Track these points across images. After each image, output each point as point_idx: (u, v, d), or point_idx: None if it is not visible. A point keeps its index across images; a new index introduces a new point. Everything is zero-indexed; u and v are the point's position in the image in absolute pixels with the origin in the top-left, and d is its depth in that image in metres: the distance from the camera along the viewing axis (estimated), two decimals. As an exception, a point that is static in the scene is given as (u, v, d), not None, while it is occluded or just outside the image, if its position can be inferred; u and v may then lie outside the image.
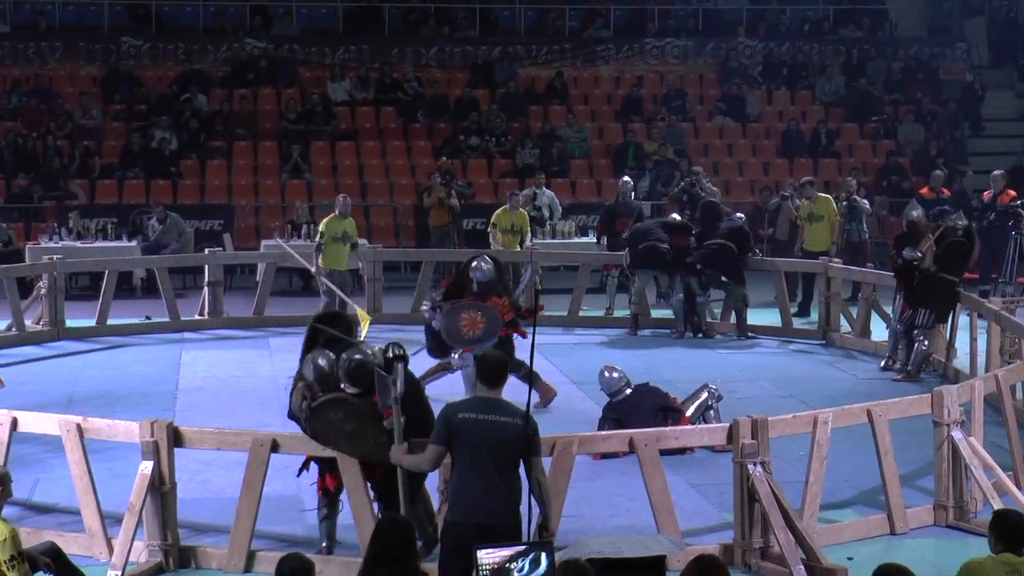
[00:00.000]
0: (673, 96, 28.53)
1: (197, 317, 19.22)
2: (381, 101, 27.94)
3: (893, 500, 10.52)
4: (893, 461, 10.56)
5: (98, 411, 12.77)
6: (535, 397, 13.51)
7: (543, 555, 6.80)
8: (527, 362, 12.64)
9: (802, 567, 9.31)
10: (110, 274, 19.01)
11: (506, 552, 6.78)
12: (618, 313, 19.37)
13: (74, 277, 21.70)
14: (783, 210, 21.47)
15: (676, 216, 18.92)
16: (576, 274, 20.08)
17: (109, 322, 18.74)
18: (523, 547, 6.90)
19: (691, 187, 21.09)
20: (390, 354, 9.24)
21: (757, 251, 19.63)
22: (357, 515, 9.51)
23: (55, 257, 18.79)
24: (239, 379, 15.97)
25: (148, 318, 19.30)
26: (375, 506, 9.50)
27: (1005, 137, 29.35)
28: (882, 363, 16.47)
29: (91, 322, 18.63)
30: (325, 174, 26.33)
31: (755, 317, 18.92)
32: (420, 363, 13.20)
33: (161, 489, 9.64)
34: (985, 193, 21.91)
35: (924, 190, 23.13)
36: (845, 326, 18.15)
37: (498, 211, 20.32)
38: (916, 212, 16.50)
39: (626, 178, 21.27)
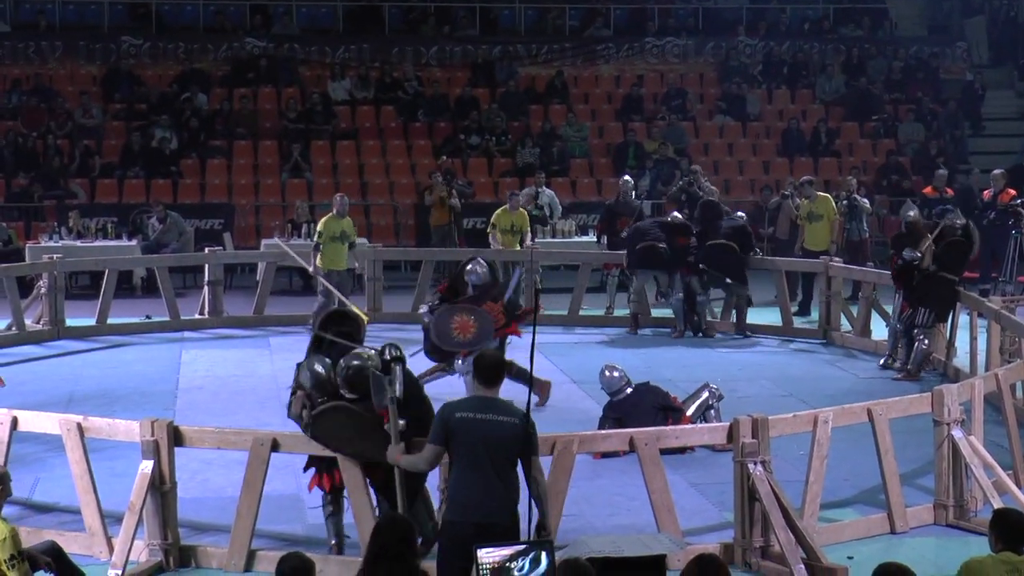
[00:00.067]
0: (673, 95, 28.53)
1: (197, 316, 19.22)
2: (381, 100, 27.95)
3: (893, 499, 10.52)
4: (893, 460, 10.56)
5: (98, 410, 12.77)
6: (535, 396, 13.55)
7: (543, 554, 6.79)
8: (516, 362, 12.74)
9: (802, 566, 9.31)
10: (110, 273, 19.01)
11: (506, 551, 6.77)
12: (618, 312, 19.36)
13: (74, 276, 21.70)
14: (783, 209, 21.47)
15: (677, 215, 18.91)
16: (576, 273, 20.08)
17: (109, 321, 18.74)
18: (523, 546, 6.90)
19: (689, 187, 21.08)
20: (387, 356, 9.24)
21: (758, 250, 19.62)
22: (357, 514, 9.51)
23: (55, 256, 18.79)
24: (239, 378, 15.97)
25: (148, 317, 19.30)
26: (375, 505, 9.50)
27: (1005, 136, 29.36)
28: (881, 361, 16.47)
29: (91, 321, 18.63)
30: (325, 173, 26.33)
31: (756, 316, 18.93)
32: (419, 364, 13.20)
33: (161, 488, 9.64)
34: (985, 192, 21.93)
35: (927, 189, 23.12)
36: (845, 325, 18.15)
37: (498, 211, 20.30)
38: (913, 212, 16.49)
39: (627, 177, 21.27)
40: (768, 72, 29.63)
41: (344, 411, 9.32)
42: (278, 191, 25.92)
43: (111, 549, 9.61)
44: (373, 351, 9.35)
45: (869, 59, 30.07)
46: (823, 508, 10.36)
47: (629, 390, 12.92)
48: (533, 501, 7.77)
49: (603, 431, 11.83)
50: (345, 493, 9.70)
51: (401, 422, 8.92)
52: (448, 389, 12.47)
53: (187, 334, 18.69)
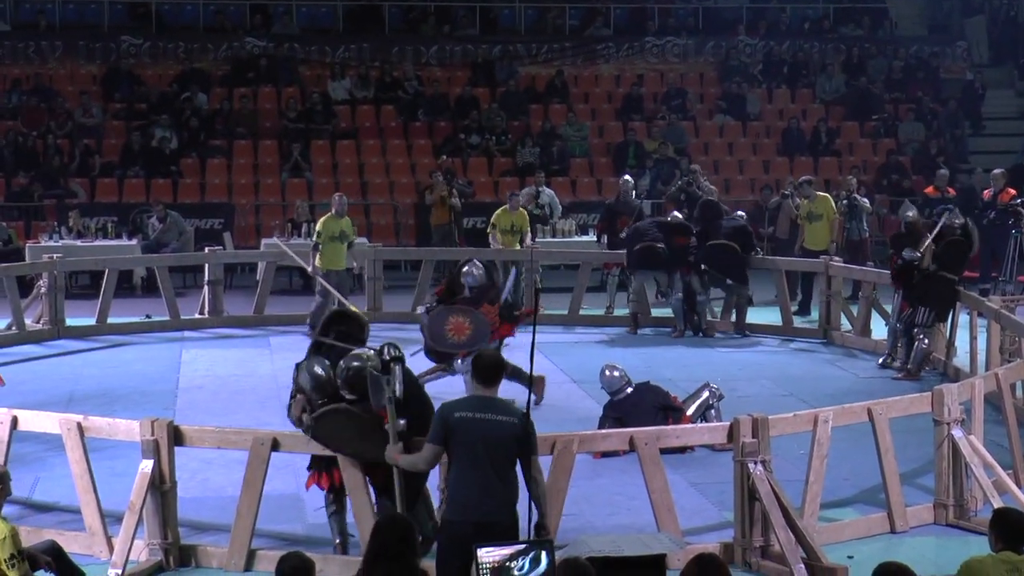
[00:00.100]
0: (673, 95, 28.53)
1: (197, 316, 19.22)
2: (381, 100, 27.95)
3: (893, 499, 10.52)
4: (893, 460, 10.56)
5: (98, 410, 12.77)
6: (523, 391, 13.54)
7: (543, 553, 6.80)
8: (512, 362, 12.74)
9: (802, 566, 9.31)
10: (110, 273, 19.01)
11: (506, 550, 6.78)
12: (618, 312, 19.36)
13: (74, 276, 21.70)
14: (783, 209, 21.46)
15: (677, 215, 18.91)
16: (576, 273, 20.08)
17: (109, 321, 18.74)
18: (523, 545, 6.90)
19: (688, 187, 21.07)
20: (386, 356, 9.23)
21: (759, 250, 19.62)
22: (358, 513, 9.51)
23: (55, 256, 18.79)
24: (239, 378, 15.97)
25: (148, 317, 19.30)
26: (375, 504, 9.50)
27: (1005, 136, 29.36)
28: (880, 360, 16.48)
29: (91, 321, 18.63)
30: (325, 173, 26.34)
31: (756, 316, 18.93)
32: (419, 364, 13.20)
33: (161, 488, 9.64)
34: (985, 191, 21.92)
35: (929, 189, 23.10)
36: (846, 324, 18.15)
37: (498, 211, 20.28)
38: (912, 213, 16.50)
39: (627, 177, 21.27)
40: (768, 72, 29.63)
41: (344, 413, 9.31)
42: (278, 191, 25.92)
43: (111, 548, 9.61)
44: (372, 351, 9.35)
45: (869, 58, 30.07)
46: (823, 507, 10.35)
47: (629, 390, 12.92)
48: (532, 501, 7.77)
49: (603, 430, 11.82)
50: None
51: (402, 422, 8.92)
52: (448, 389, 12.46)
53: (187, 334, 18.69)
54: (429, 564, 7.73)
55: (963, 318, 16.01)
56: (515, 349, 13.80)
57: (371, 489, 9.50)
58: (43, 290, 18.28)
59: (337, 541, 9.73)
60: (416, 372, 10.77)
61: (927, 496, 10.94)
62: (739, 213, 19.47)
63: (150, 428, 9.70)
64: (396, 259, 23.47)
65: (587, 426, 12.30)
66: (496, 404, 7.86)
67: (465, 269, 14.26)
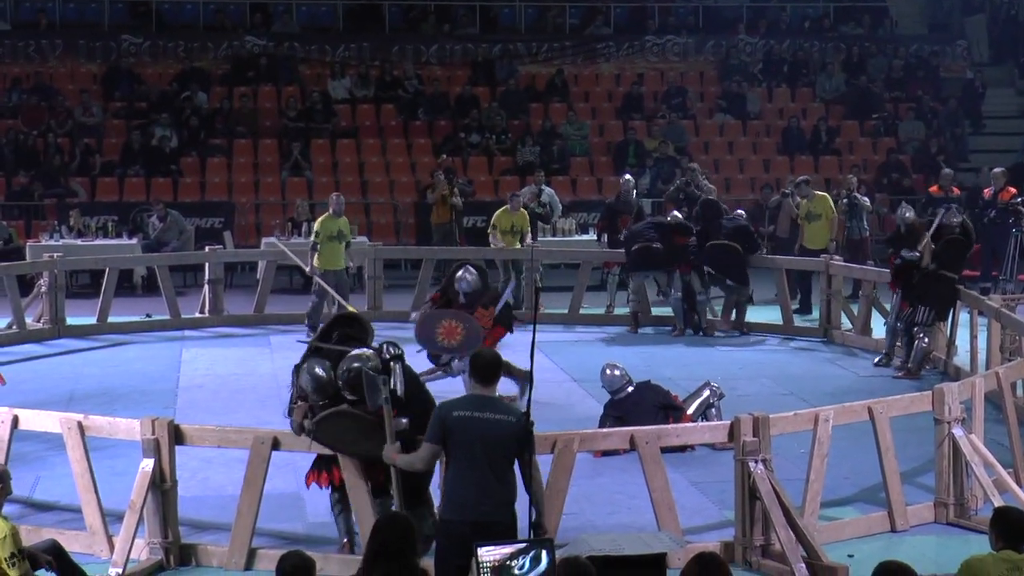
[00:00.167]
0: (674, 93, 28.53)
1: (198, 315, 19.22)
2: (381, 99, 27.94)
3: (894, 497, 10.52)
4: (894, 458, 10.56)
5: (99, 409, 12.79)
6: (516, 386, 13.55)
7: (543, 552, 6.79)
8: (513, 362, 12.74)
9: (803, 565, 9.32)
10: (111, 272, 19.01)
11: (506, 549, 6.78)
12: (618, 311, 19.36)
13: (74, 275, 21.69)
14: (784, 208, 21.44)
15: (677, 215, 18.91)
16: (577, 272, 20.08)
17: (110, 320, 18.74)
18: (523, 544, 6.90)
19: (687, 186, 21.04)
20: (386, 355, 9.23)
21: (763, 248, 19.57)
22: (358, 512, 9.50)
23: (56, 255, 18.79)
24: (240, 377, 15.97)
25: (149, 316, 19.30)
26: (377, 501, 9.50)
27: (1006, 135, 29.35)
28: (876, 360, 16.47)
29: (92, 320, 18.63)
30: (325, 172, 26.33)
31: (756, 315, 18.95)
32: (420, 364, 13.19)
33: (162, 487, 9.64)
34: (986, 190, 21.91)
35: (933, 188, 23.07)
36: (846, 323, 18.15)
37: (498, 212, 20.26)
38: (910, 214, 16.48)
39: (627, 176, 21.26)
40: (768, 70, 29.62)
41: (347, 415, 9.30)
42: (278, 189, 25.92)
43: (112, 548, 9.61)
44: (372, 351, 9.34)
45: (869, 57, 30.06)
46: (824, 506, 10.36)
47: (630, 388, 12.92)
48: (530, 500, 7.77)
49: (604, 429, 11.82)
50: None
51: (404, 420, 8.92)
52: (449, 388, 12.46)
53: (187, 333, 18.69)
54: (428, 563, 7.74)
55: (963, 317, 16.01)
56: (515, 349, 13.79)
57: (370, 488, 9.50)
58: (43, 289, 18.28)
59: (344, 540, 9.71)
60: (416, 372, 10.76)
61: (928, 495, 10.95)
62: (739, 212, 19.47)
63: (151, 427, 9.70)
64: (396, 258, 23.45)
65: (588, 425, 12.31)
66: (495, 403, 7.85)
67: (458, 275, 14.19)
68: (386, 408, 8.80)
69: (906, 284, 15.83)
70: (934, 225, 15.88)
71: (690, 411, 12.91)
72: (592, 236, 21.76)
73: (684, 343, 18.01)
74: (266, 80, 28.00)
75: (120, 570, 9.34)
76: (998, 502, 9.85)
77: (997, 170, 21.85)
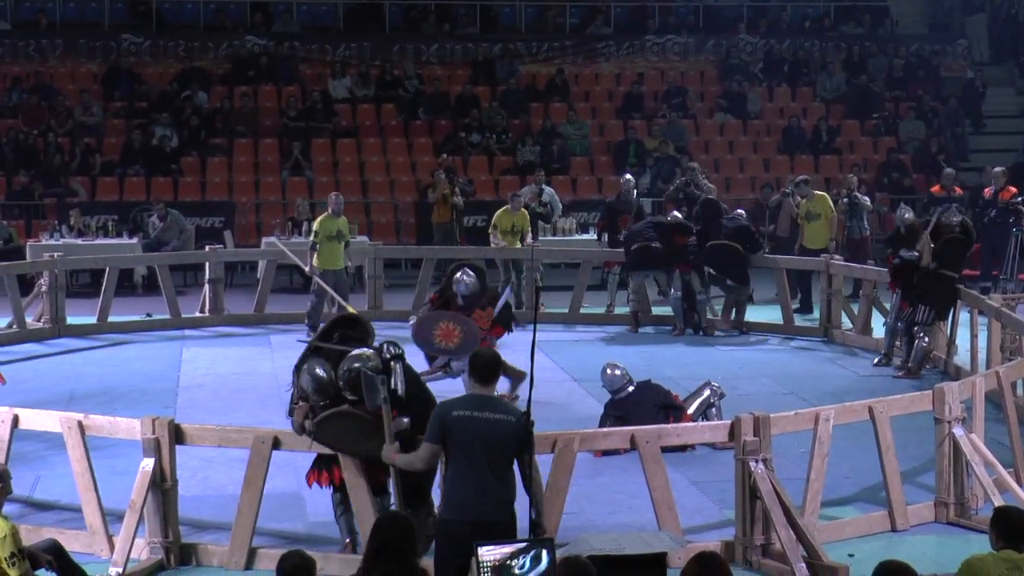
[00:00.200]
0: (674, 93, 28.52)
1: (198, 314, 19.22)
2: (382, 98, 27.94)
3: (894, 497, 10.52)
4: (894, 458, 10.56)
5: (99, 408, 12.80)
6: (507, 384, 13.55)
7: (544, 552, 6.79)
8: (510, 363, 12.73)
9: (803, 564, 9.31)
10: (111, 271, 19.01)
11: (507, 549, 6.77)
12: (619, 310, 19.36)
13: (75, 274, 21.69)
14: (784, 207, 21.43)
15: (677, 214, 18.91)
16: (577, 271, 20.07)
17: (110, 319, 18.74)
18: (524, 544, 6.90)
19: (686, 187, 21.01)
20: (387, 354, 9.22)
21: (766, 247, 19.57)
22: (358, 512, 9.50)
23: (56, 254, 18.79)
24: (240, 376, 15.97)
25: (149, 315, 19.30)
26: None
27: (1006, 134, 29.35)
28: (875, 360, 16.47)
29: (92, 319, 18.63)
30: (326, 171, 26.33)
31: (757, 314, 18.95)
32: (420, 363, 13.19)
33: (162, 486, 9.64)
34: (986, 190, 21.91)
35: (936, 188, 23.06)
36: (847, 323, 18.15)
37: (499, 212, 20.25)
38: (909, 215, 16.48)
39: (628, 176, 21.25)
40: (769, 70, 29.62)
41: (348, 416, 9.29)
42: (279, 189, 25.92)
43: (112, 547, 9.61)
44: (372, 351, 9.34)
45: (870, 57, 30.05)
46: (824, 506, 10.36)
47: (631, 388, 12.92)
48: (529, 500, 7.77)
49: (604, 429, 11.82)
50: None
51: (405, 420, 8.92)
52: (450, 388, 12.46)
53: (188, 332, 18.69)
54: (429, 562, 7.74)
55: (964, 316, 16.01)
56: (515, 348, 13.79)
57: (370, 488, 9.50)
58: (44, 288, 18.28)
59: (347, 540, 9.70)
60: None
61: (928, 494, 10.95)
62: (739, 212, 19.46)
63: (151, 426, 9.70)
64: (396, 257, 23.44)
65: (588, 425, 12.31)
66: (494, 403, 7.85)
67: (456, 277, 14.16)
68: (384, 408, 8.80)
69: (906, 284, 15.83)
70: (931, 224, 15.87)
71: (691, 411, 12.91)
72: (592, 236, 21.74)
73: (684, 343, 18.01)
74: (266, 80, 27.99)
75: (120, 569, 9.34)
76: (998, 501, 9.85)
77: (997, 169, 21.84)
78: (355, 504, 9.49)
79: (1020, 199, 20.64)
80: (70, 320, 18.48)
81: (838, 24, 30.86)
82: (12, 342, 17.64)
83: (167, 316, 18.99)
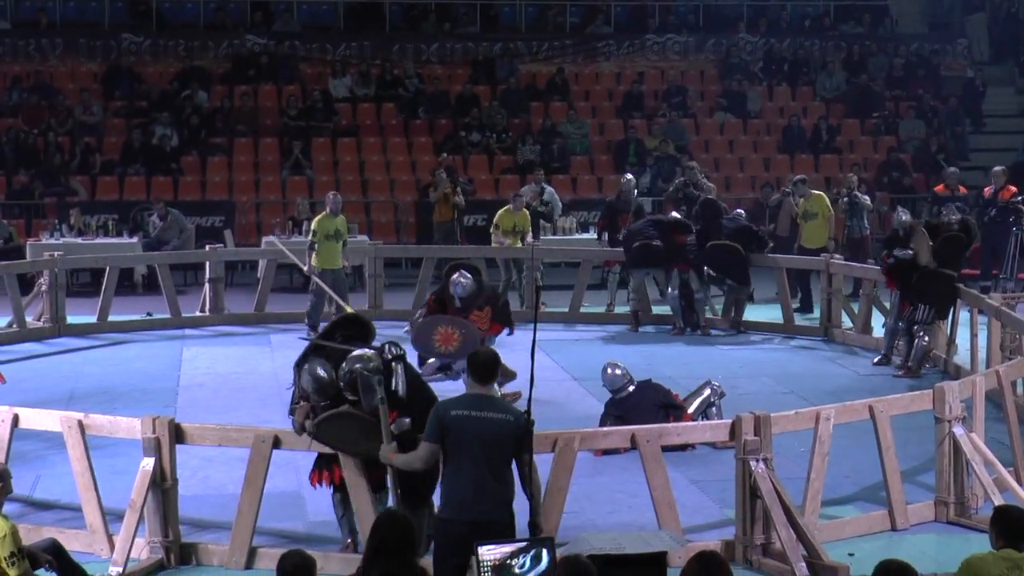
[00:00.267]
0: (674, 92, 28.51)
1: (198, 313, 19.22)
2: (382, 97, 27.94)
3: (894, 496, 10.52)
4: (894, 457, 10.56)
5: (99, 407, 12.81)
6: (500, 377, 13.52)
7: (544, 551, 6.79)
8: (507, 364, 12.71)
9: (803, 563, 9.32)
10: (111, 270, 19.01)
11: (507, 548, 6.78)
12: (619, 309, 19.37)
13: (75, 273, 21.68)
14: (784, 206, 21.42)
15: (676, 214, 18.91)
16: (577, 270, 20.07)
17: (110, 318, 18.74)
18: (524, 543, 6.90)
19: (685, 187, 20.97)
20: (388, 355, 9.22)
21: (770, 243, 19.53)
22: (359, 511, 9.50)
23: (56, 253, 18.79)
24: (240, 375, 15.97)
25: (149, 314, 19.30)
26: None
27: (1006, 133, 29.35)
28: (875, 359, 16.47)
29: (92, 318, 18.63)
30: (326, 170, 26.33)
31: (757, 313, 18.95)
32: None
33: (162, 485, 9.64)
34: (986, 189, 21.90)
35: (939, 187, 23.03)
36: (847, 322, 18.15)
37: (500, 212, 20.25)
38: (907, 216, 16.49)
39: (628, 176, 21.25)
40: (769, 69, 29.62)
41: (348, 416, 9.28)
42: (279, 188, 25.92)
43: (112, 547, 9.61)
44: (373, 351, 9.33)
45: (870, 56, 30.05)
46: (824, 505, 10.35)
47: (631, 387, 12.91)
48: (527, 499, 7.77)
49: (604, 428, 11.82)
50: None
51: (406, 420, 8.92)
52: (452, 388, 12.46)
53: (188, 331, 18.69)
54: (427, 562, 7.74)
55: (963, 315, 16.00)
56: (516, 348, 13.79)
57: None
58: (44, 288, 18.28)
59: (348, 541, 9.70)
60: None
61: (928, 493, 10.95)
62: (738, 211, 19.45)
63: (151, 426, 9.70)
64: (397, 257, 23.42)
65: (588, 424, 12.30)
66: (493, 402, 7.86)
67: (453, 279, 14.14)
68: (382, 408, 8.79)
69: (905, 283, 15.82)
70: (926, 223, 15.87)
71: (691, 410, 12.91)
72: (592, 235, 21.74)
73: (684, 342, 18.01)
74: (267, 79, 27.99)
75: (120, 569, 9.34)
76: (998, 501, 9.85)
77: (997, 168, 21.84)
78: (355, 503, 9.49)
79: (1020, 198, 20.63)
80: (70, 319, 18.48)
81: (838, 23, 30.85)
82: (12, 341, 17.64)
83: (167, 315, 18.99)
